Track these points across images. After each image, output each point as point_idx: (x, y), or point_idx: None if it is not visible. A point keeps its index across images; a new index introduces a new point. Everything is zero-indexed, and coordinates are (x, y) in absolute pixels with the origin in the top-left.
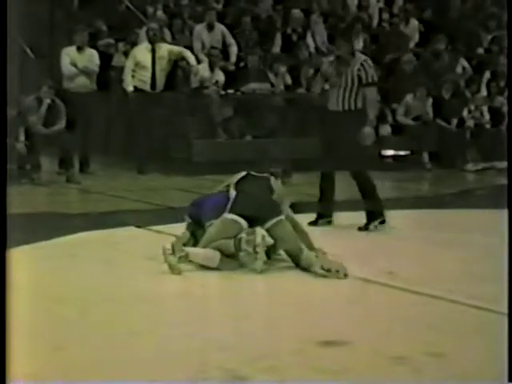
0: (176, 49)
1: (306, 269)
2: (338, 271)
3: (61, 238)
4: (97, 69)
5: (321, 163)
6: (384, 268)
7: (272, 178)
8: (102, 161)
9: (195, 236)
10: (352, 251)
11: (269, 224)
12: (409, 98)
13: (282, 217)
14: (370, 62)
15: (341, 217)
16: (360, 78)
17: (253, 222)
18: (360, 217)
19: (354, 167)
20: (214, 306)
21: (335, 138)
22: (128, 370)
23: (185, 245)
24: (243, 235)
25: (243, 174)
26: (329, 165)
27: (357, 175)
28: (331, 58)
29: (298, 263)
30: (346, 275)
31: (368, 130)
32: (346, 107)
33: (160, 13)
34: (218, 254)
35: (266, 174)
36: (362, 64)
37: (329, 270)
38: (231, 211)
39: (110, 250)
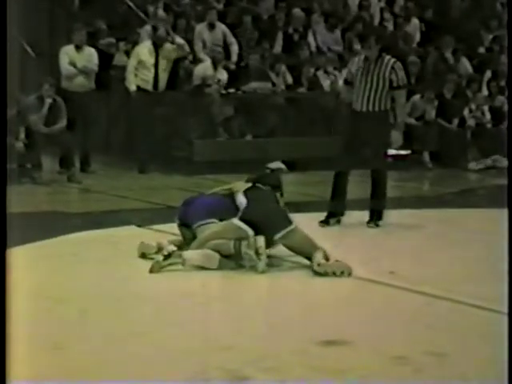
0: (178, 43)
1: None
2: (342, 272)
3: (61, 237)
4: (96, 68)
5: (341, 161)
6: (385, 268)
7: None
8: (103, 160)
9: (184, 237)
10: (353, 251)
11: (280, 234)
12: (416, 98)
13: (293, 226)
14: (399, 64)
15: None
16: (391, 81)
17: (261, 232)
18: (357, 216)
19: (376, 166)
20: (215, 305)
21: (361, 138)
22: (128, 369)
23: (180, 248)
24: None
25: (249, 185)
26: (349, 163)
27: (377, 172)
28: (360, 57)
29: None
30: (350, 274)
31: (396, 134)
32: (371, 108)
33: (161, 12)
34: (217, 255)
35: (268, 188)
36: (393, 67)
37: (334, 274)
38: (241, 218)
39: (110, 249)
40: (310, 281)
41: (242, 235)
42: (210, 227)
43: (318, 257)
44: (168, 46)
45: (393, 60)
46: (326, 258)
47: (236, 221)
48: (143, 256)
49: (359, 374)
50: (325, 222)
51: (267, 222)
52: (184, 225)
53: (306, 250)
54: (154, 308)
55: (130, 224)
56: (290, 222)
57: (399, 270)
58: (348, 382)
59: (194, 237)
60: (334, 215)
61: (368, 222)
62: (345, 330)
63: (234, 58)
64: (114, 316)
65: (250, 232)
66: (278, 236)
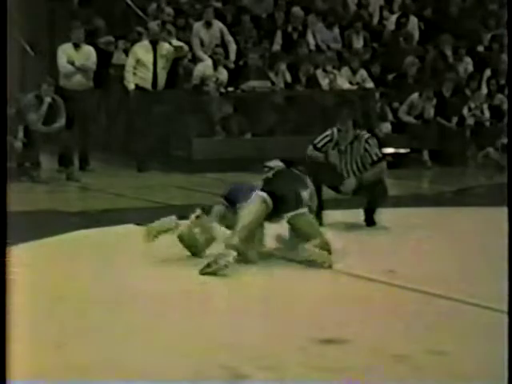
0: (177, 43)
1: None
2: (323, 262)
3: (60, 235)
4: (94, 66)
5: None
6: (384, 266)
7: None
8: (102, 158)
9: (226, 219)
10: (352, 249)
11: (290, 214)
12: (414, 97)
13: (304, 210)
14: (374, 140)
15: (334, 215)
16: (363, 163)
17: (277, 209)
18: (350, 215)
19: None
20: (214, 304)
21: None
22: (127, 368)
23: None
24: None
25: (281, 166)
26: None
27: (377, 184)
28: (329, 132)
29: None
30: (330, 266)
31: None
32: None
33: (168, 8)
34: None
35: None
36: (367, 142)
37: (314, 261)
38: (263, 188)
39: (109, 247)
40: (309, 279)
41: (267, 209)
42: (245, 208)
43: (312, 243)
44: (166, 44)
45: (367, 136)
46: (326, 248)
47: (260, 192)
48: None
49: (358, 373)
50: None
51: (281, 199)
52: (229, 203)
53: (309, 234)
54: (154, 306)
55: (128, 222)
56: (302, 205)
57: (398, 269)
58: (347, 381)
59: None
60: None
61: (365, 221)
62: (344, 329)
63: (232, 56)
64: (113, 314)
65: (270, 204)
66: (288, 215)
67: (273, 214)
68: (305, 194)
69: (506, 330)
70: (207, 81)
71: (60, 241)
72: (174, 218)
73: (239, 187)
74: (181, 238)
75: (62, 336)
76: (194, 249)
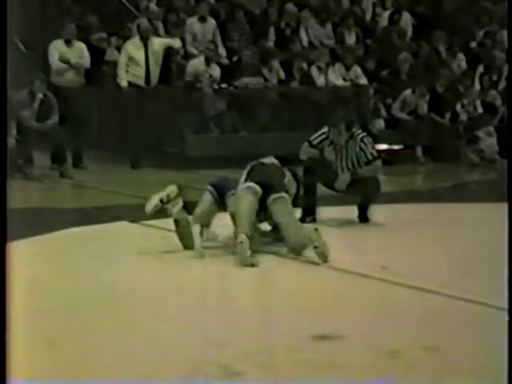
0: (168, 42)
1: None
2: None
3: (54, 232)
4: (88, 64)
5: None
6: (378, 262)
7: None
8: (96, 155)
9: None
10: (345, 246)
11: (271, 198)
12: (407, 93)
13: (283, 194)
14: (369, 138)
15: (327, 212)
16: (358, 160)
17: (266, 191)
18: (344, 212)
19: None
20: (207, 301)
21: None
22: (124, 366)
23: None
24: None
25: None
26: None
27: (370, 181)
28: (325, 129)
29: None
30: (325, 261)
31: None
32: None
33: (153, 6)
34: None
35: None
36: (362, 141)
37: (316, 248)
38: (246, 180)
39: (103, 244)
40: (302, 275)
41: (256, 194)
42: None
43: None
44: (156, 40)
45: (362, 135)
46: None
47: (244, 184)
48: None
49: (352, 369)
50: (301, 221)
51: (266, 181)
52: (217, 194)
53: (285, 225)
54: (148, 303)
55: (122, 219)
56: (281, 190)
57: (391, 265)
58: (341, 377)
59: (222, 206)
60: (308, 214)
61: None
62: (338, 325)
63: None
64: (108, 312)
65: (259, 190)
66: (270, 199)
67: (261, 204)
68: (286, 180)
69: (506, 329)
70: (200, 77)
71: (53, 238)
72: (174, 187)
73: (228, 179)
74: (177, 223)
75: (61, 336)
76: (186, 241)
